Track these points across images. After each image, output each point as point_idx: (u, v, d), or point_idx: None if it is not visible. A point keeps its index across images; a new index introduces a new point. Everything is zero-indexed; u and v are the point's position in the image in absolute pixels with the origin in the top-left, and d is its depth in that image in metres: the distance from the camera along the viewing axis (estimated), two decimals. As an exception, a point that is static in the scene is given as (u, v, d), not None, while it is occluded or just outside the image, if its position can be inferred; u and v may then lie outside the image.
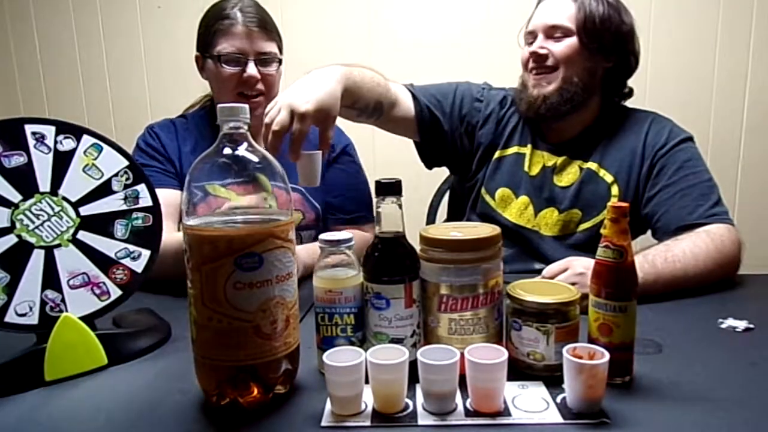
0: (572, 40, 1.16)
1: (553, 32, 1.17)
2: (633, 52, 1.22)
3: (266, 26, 1.23)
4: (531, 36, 1.21)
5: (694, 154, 1.19)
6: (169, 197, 1.17)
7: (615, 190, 1.20)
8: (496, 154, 1.29)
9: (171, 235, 1.02)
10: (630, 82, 1.26)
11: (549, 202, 1.24)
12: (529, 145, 1.27)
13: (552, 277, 0.93)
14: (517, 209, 1.25)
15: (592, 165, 1.22)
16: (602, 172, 1.21)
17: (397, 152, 1.47)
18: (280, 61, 1.26)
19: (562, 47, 1.16)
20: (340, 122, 1.46)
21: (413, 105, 1.24)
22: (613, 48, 1.18)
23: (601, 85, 1.22)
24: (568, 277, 0.91)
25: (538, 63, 1.19)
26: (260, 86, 1.23)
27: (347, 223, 1.35)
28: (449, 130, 1.28)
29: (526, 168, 1.26)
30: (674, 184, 1.15)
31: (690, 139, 1.21)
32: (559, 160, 1.24)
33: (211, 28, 1.23)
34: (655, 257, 0.98)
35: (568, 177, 1.23)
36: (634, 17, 1.20)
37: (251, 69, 1.21)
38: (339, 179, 1.37)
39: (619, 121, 1.24)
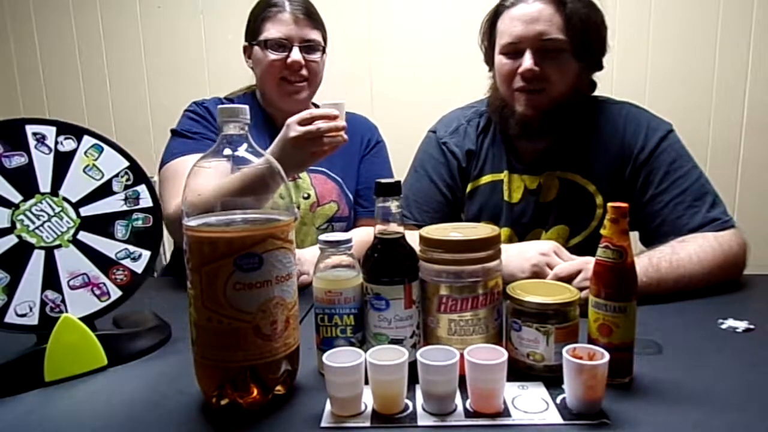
0: (566, 56, 1.08)
1: (544, 45, 1.07)
2: (606, 49, 1.15)
3: (312, 15, 1.28)
4: (511, 47, 1.10)
5: (678, 151, 1.12)
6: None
7: (599, 200, 1.16)
8: (469, 187, 1.25)
9: None
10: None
11: (533, 224, 1.20)
12: (506, 171, 1.21)
13: (563, 278, 0.91)
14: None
15: (572, 176, 1.17)
16: (583, 182, 1.16)
17: (396, 154, 1.47)
18: (323, 50, 1.30)
19: (558, 65, 1.09)
20: (373, 118, 1.46)
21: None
22: (598, 53, 1.13)
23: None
24: (579, 281, 0.90)
25: (529, 81, 1.09)
26: (304, 72, 1.26)
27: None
28: (453, 200, 1.27)
29: (506, 197, 1.21)
30: (665, 192, 1.10)
31: (669, 131, 1.14)
32: (541, 179, 1.18)
33: (259, 16, 1.27)
34: (660, 261, 0.96)
35: (552, 192, 1.18)
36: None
37: (295, 54, 1.24)
38: (372, 170, 1.39)
39: (593, 119, 1.17)
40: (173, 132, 1.28)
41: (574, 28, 1.07)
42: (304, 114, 1.01)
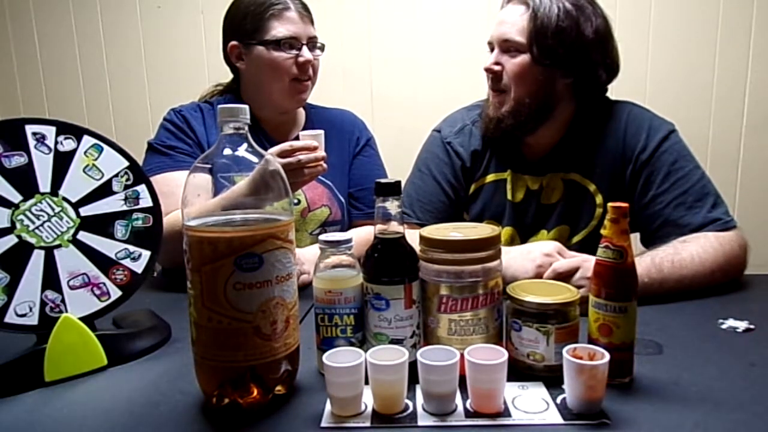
0: (524, 58, 1.10)
1: (506, 46, 1.12)
2: (602, 63, 1.13)
3: (309, 11, 1.25)
4: (490, 47, 1.17)
5: (680, 152, 1.12)
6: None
7: (599, 199, 1.16)
8: (473, 187, 1.25)
9: None
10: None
11: (535, 226, 1.21)
12: (509, 170, 1.22)
13: (561, 275, 0.91)
14: (503, 241, 1.22)
15: (574, 176, 1.18)
16: (584, 182, 1.17)
17: (396, 153, 1.47)
18: (323, 47, 1.28)
19: (512, 65, 1.11)
20: (363, 116, 1.46)
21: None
22: (571, 62, 1.10)
23: (572, 95, 1.16)
24: (577, 279, 0.90)
25: (493, 80, 1.16)
26: (310, 71, 1.25)
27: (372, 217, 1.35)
28: (456, 200, 1.27)
29: (509, 196, 1.21)
30: (666, 192, 1.10)
31: (671, 131, 1.14)
32: (544, 180, 1.19)
33: (262, 13, 1.21)
34: (662, 261, 0.96)
35: (555, 194, 1.19)
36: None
37: (307, 53, 1.22)
38: (364, 171, 1.37)
39: (595, 121, 1.18)
40: (149, 145, 1.24)
41: (532, 32, 1.09)
42: (285, 146, 1.02)
